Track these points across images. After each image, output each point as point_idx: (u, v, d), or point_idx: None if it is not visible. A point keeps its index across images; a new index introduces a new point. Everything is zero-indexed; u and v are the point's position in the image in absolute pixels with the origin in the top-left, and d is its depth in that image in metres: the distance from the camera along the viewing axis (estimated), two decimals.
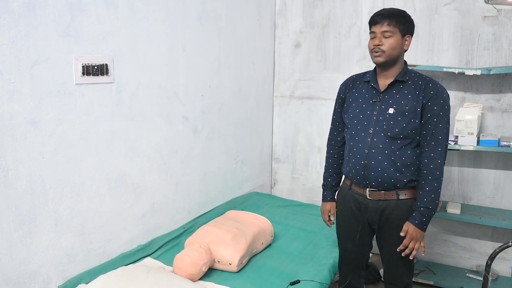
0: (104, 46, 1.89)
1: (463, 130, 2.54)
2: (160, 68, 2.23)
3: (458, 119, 2.55)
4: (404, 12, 1.73)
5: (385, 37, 1.69)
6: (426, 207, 1.69)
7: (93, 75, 1.84)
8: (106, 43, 1.90)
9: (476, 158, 2.82)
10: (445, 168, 2.86)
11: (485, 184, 2.82)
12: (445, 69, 2.61)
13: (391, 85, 1.75)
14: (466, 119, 2.53)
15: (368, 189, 1.80)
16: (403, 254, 1.75)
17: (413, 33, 1.76)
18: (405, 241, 1.73)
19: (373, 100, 1.78)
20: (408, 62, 2.84)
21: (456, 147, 2.57)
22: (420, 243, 1.73)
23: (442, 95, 1.71)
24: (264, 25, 3.20)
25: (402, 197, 1.76)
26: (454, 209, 2.69)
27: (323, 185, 2.07)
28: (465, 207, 2.78)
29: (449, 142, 1.71)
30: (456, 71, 2.57)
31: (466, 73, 2.53)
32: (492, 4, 2.60)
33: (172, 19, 2.28)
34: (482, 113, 2.65)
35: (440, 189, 1.71)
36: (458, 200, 2.91)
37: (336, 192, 2.04)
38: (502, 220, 2.60)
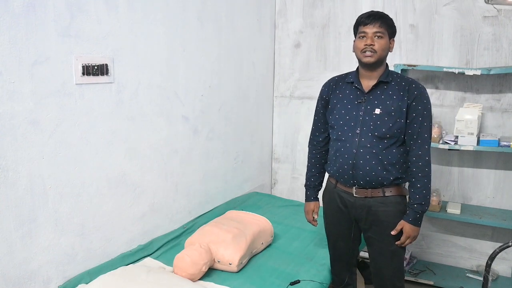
0: (104, 46, 1.89)
1: (463, 130, 2.54)
2: (160, 68, 2.23)
3: (458, 119, 2.55)
4: (389, 16, 1.79)
5: (377, 38, 1.73)
6: (419, 204, 1.75)
7: (93, 75, 1.84)
8: (106, 43, 1.89)
9: (476, 158, 2.82)
10: (445, 168, 2.91)
11: (485, 184, 2.82)
12: (445, 69, 2.61)
13: (375, 86, 1.79)
14: (466, 119, 2.53)
15: (355, 187, 1.83)
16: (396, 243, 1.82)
17: (394, 36, 1.82)
18: (402, 239, 1.79)
19: (358, 101, 1.81)
20: (408, 62, 2.89)
21: (456, 147, 2.57)
22: (414, 238, 1.80)
23: (425, 95, 1.77)
24: (264, 25, 3.19)
25: (387, 194, 1.81)
26: (454, 209, 2.69)
27: (306, 185, 2.08)
28: (465, 207, 2.78)
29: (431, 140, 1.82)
30: (456, 71, 2.57)
31: (466, 73, 2.53)
32: (492, 4, 2.60)
33: (172, 19, 2.28)
34: (482, 113, 2.65)
35: (430, 185, 1.78)
36: (458, 200, 2.91)
37: (320, 192, 2.07)
38: (502, 220, 2.60)
